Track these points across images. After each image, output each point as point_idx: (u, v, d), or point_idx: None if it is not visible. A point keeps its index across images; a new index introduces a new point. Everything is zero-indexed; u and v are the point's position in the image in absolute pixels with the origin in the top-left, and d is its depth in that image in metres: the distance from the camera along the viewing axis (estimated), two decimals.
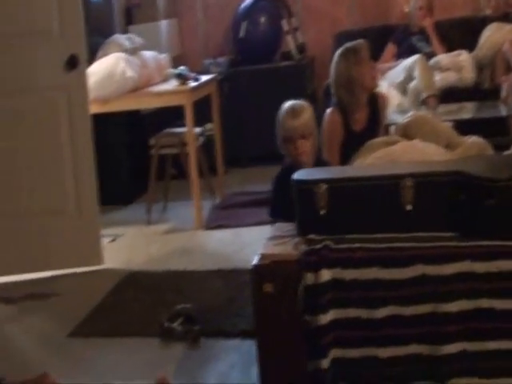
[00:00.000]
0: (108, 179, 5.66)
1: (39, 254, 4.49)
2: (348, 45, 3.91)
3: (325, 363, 2.45)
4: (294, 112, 3.33)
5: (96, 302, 3.95)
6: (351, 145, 3.63)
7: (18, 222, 4.48)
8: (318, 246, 2.51)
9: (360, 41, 3.93)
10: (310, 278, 2.47)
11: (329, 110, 3.87)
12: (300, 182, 2.66)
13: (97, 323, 3.68)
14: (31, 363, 3.02)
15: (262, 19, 6.99)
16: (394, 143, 3.31)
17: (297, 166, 3.31)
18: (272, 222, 3.26)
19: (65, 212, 4.54)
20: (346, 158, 3.60)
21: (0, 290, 4.27)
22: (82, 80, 4.51)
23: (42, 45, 4.43)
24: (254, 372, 2.69)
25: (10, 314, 3.96)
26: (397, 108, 5.62)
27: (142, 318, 3.66)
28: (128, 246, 5.01)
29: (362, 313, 2.46)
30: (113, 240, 5.14)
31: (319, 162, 3.40)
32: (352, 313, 2.46)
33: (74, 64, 4.44)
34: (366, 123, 3.88)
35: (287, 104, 3.38)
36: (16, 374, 2.74)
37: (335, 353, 2.47)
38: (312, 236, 2.58)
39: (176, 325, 3.47)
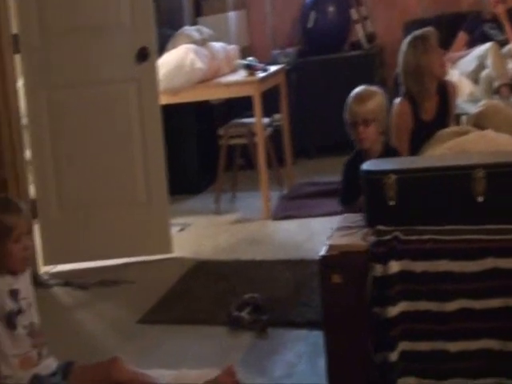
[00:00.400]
0: (177, 169, 5.72)
1: (111, 243, 4.57)
2: (416, 33, 3.84)
3: (393, 356, 2.41)
4: (359, 97, 3.35)
5: (165, 289, 3.99)
6: (421, 135, 3.58)
7: (90, 212, 4.56)
8: (387, 237, 2.47)
9: (428, 28, 3.85)
10: (378, 269, 2.43)
11: (397, 100, 3.82)
12: (369, 172, 2.62)
13: (166, 310, 3.72)
14: (102, 349, 3.07)
15: (331, 9, 6.92)
16: (465, 133, 3.24)
17: (364, 153, 3.30)
18: (342, 210, 3.25)
19: (135, 202, 4.60)
20: (415, 148, 3.55)
21: (74, 277, 4.37)
22: (153, 71, 4.56)
23: (113, 37, 4.50)
24: (322, 363, 2.67)
25: (82, 299, 4.05)
26: (468, 97, 5.50)
27: (211, 307, 3.69)
28: (197, 235, 5.05)
29: (432, 306, 2.41)
30: (182, 229, 5.19)
31: (388, 150, 3.36)
32: (422, 305, 2.42)
33: (144, 56, 4.49)
34: (435, 112, 3.81)
35: (358, 88, 3.40)
36: (86, 360, 2.79)
37: (404, 345, 2.43)
38: (381, 227, 2.53)
39: (244, 314, 3.48)
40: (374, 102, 3.33)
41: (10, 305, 2.55)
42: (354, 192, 3.14)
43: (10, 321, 2.54)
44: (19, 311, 2.58)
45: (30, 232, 2.66)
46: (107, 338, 3.49)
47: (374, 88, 3.41)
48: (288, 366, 3.01)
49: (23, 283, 2.63)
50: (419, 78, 3.74)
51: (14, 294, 2.57)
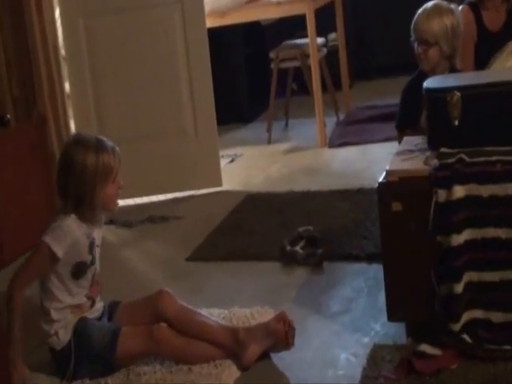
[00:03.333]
0: (226, 97, 5.67)
1: (156, 178, 4.59)
2: None
3: (458, 287, 2.37)
4: (426, 14, 3.22)
5: (215, 224, 3.99)
6: (487, 47, 3.46)
7: (134, 145, 4.55)
8: (451, 160, 2.41)
9: None
10: (442, 194, 2.38)
11: (460, 7, 3.66)
12: (431, 90, 2.54)
13: (215, 247, 3.72)
14: (149, 288, 3.07)
15: None
16: None
17: (426, 74, 3.19)
18: (398, 135, 3.17)
19: (182, 133, 4.59)
20: (481, 63, 3.42)
21: (120, 214, 4.39)
22: None
23: None
24: (382, 298, 2.65)
25: (128, 238, 4.07)
26: None
27: (262, 241, 3.67)
28: (247, 166, 5.04)
29: (501, 232, 2.35)
30: (232, 161, 5.17)
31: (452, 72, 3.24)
32: (489, 233, 2.36)
33: None
34: (503, 23, 3.67)
35: (431, 2, 3.26)
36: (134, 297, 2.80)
37: (470, 276, 2.38)
38: (444, 149, 2.48)
39: (298, 248, 3.46)
40: (441, 22, 3.18)
41: (85, 256, 2.57)
42: (412, 116, 3.05)
43: (80, 270, 2.56)
44: (92, 262, 2.61)
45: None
46: (154, 276, 3.51)
47: (447, 5, 3.24)
48: (345, 301, 2.99)
49: (98, 230, 2.65)
50: None
51: (91, 244, 2.59)
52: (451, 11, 3.23)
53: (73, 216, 2.53)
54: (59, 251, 2.48)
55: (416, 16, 3.25)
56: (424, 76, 3.18)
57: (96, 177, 2.50)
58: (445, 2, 3.27)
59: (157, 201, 4.61)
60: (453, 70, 3.30)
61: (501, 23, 3.67)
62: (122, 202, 4.53)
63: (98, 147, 2.52)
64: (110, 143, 2.57)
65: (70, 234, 2.51)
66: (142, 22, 4.49)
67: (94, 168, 2.49)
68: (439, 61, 3.23)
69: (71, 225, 2.52)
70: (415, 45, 3.25)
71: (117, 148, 2.58)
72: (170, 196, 4.64)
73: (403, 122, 3.28)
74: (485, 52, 3.42)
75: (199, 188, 4.63)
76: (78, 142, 2.56)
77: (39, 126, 4.20)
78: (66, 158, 2.54)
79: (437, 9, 3.23)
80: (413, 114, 3.07)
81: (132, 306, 2.72)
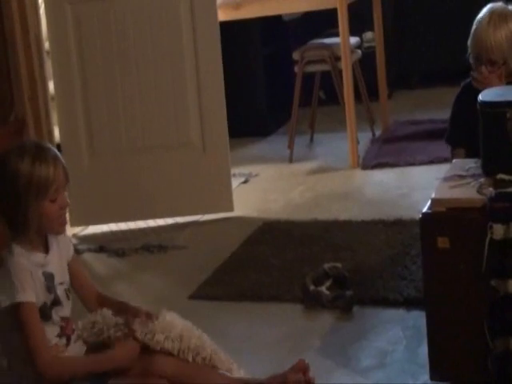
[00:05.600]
0: (240, 105, 5.71)
1: (155, 199, 4.61)
2: None
3: None
4: (493, 25, 3.17)
5: (223, 257, 4.01)
6: None
7: (129, 159, 4.60)
8: (511, 189, 2.42)
9: None
10: (498, 230, 2.39)
11: None
12: (488, 104, 2.57)
13: (224, 284, 3.73)
14: None
15: None
16: None
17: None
18: (451, 152, 3.18)
19: (187, 146, 4.62)
20: None
21: (109, 241, 4.42)
22: None
23: None
24: (423, 351, 2.65)
25: (121, 269, 4.11)
26: None
27: (281, 279, 3.68)
28: (264, 188, 5.06)
29: None
30: (245, 181, 5.20)
31: None
32: None
33: None
34: None
35: (493, 8, 3.22)
36: None
37: None
38: (502, 175, 2.50)
39: (323, 288, 3.47)
40: (510, 34, 3.17)
41: (44, 295, 2.50)
42: (465, 128, 3.07)
43: (44, 313, 2.53)
44: (54, 303, 2.54)
45: (66, 185, 2.54)
46: None
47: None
48: (379, 354, 2.99)
49: (56, 260, 2.57)
50: None
51: (48, 279, 2.51)
52: None
53: (14, 247, 2.47)
54: (32, 297, 2.44)
55: (476, 26, 3.23)
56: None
57: (29, 190, 2.43)
58: (508, 6, 3.26)
59: (155, 226, 4.64)
60: None
61: None
62: (114, 227, 4.63)
63: (36, 155, 2.46)
64: (53, 152, 2.51)
65: (23, 272, 2.44)
66: (143, 11, 4.54)
67: (28, 179, 2.43)
68: (502, 81, 3.22)
69: (19, 261, 2.45)
70: (475, 63, 3.23)
71: (61, 159, 2.52)
72: (170, 221, 4.67)
73: (455, 135, 3.30)
74: None
75: (206, 213, 4.65)
76: (15, 148, 2.51)
77: (17, 131, 4.23)
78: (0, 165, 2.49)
79: (503, 16, 3.21)
80: (467, 127, 3.08)
81: None
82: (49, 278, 2.51)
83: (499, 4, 3.28)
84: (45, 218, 2.47)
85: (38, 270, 2.48)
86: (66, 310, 2.56)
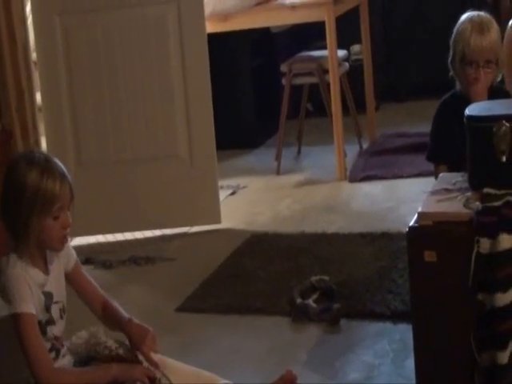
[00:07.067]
0: (229, 117, 5.71)
1: (143, 210, 4.61)
2: None
3: (503, 357, 2.37)
4: (482, 26, 3.24)
5: (211, 270, 4.01)
6: None
7: (117, 171, 4.59)
8: (497, 203, 2.43)
9: None
10: (485, 244, 2.39)
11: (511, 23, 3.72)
12: (474, 118, 2.57)
13: (211, 296, 3.74)
14: None
15: None
16: None
17: (466, 96, 3.23)
18: (435, 169, 3.20)
19: (174, 158, 4.62)
20: None
21: (96, 253, 4.42)
22: None
23: None
24: (409, 365, 2.66)
25: (107, 281, 4.08)
26: None
27: (268, 292, 3.69)
28: (252, 200, 5.06)
29: None
30: (233, 193, 5.20)
31: (498, 93, 3.28)
32: None
33: None
34: None
35: (471, 15, 3.30)
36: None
37: None
38: (489, 190, 2.50)
39: (310, 301, 3.48)
40: (495, 33, 3.23)
41: (40, 314, 2.48)
42: (447, 144, 3.09)
43: (40, 329, 2.52)
44: (48, 322, 2.53)
45: (70, 204, 2.48)
46: None
47: (487, 15, 3.30)
48: (366, 367, 3.00)
49: (56, 276, 2.56)
50: None
51: (47, 298, 2.50)
52: (494, 22, 3.30)
53: (14, 259, 2.45)
54: (32, 308, 2.42)
55: (467, 32, 3.26)
56: (460, 98, 3.23)
57: (34, 202, 2.40)
58: (482, 12, 3.32)
59: (142, 238, 4.63)
60: (498, 90, 3.34)
61: None
62: (101, 238, 4.63)
63: (45, 168, 2.43)
64: (61, 169, 2.47)
65: (22, 284, 2.42)
66: (130, 23, 4.54)
67: (34, 190, 2.40)
68: (490, 81, 3.28)
69: (18, 274, 2.43)
70: (466, 66, 3.26)
71: (68, 177, 2.47)
72: (157, 233, 4.67)
73: (435, 151, 3.33)
74: None
75: (193, 225, 4.66)
76: (25, 156, 2.50)
77: (3, 143, 4.23)
78: (6, 173, 2.47)
79: (487, 20, 3.28)
80: (448, 142, 3.11)
81: None
82: (48, 297, 2.50)
83: (473, 12, 3.33)
84: (45, 234, 2.45)
85: (38, 289, 2.47)
86: (58, 328, 2.55)
